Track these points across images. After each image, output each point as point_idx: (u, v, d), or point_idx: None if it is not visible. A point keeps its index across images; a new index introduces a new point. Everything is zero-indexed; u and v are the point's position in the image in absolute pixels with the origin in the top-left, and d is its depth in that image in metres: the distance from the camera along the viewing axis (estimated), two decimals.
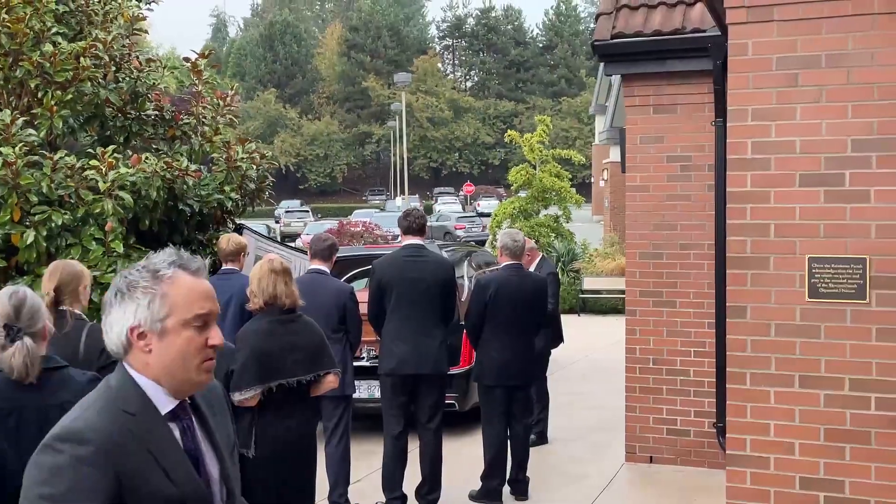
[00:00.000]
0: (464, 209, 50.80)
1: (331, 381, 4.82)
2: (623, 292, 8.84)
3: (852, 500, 4.11)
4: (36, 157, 6.34)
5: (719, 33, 5.50)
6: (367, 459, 7.30)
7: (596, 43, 7.02)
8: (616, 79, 16.01)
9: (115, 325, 1.98)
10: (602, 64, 7.60)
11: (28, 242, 6.03)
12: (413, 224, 6.34)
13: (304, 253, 8.40)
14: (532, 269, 7.80)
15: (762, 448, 4.27)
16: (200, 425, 2.05)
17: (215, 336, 2.00)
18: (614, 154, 26.63)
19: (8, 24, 6.65)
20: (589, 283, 18.11)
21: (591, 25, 7.18)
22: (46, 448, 1.87)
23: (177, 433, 1.98)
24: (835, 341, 4.14)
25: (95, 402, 1.97)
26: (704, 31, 6.54)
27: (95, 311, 5.99)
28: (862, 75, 4.11)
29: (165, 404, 1.98)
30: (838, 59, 4.14)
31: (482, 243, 26.52)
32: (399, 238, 6.80)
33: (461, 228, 38.53)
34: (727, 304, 4.37)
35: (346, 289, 6.41)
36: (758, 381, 4.27)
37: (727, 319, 4.37)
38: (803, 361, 4.19)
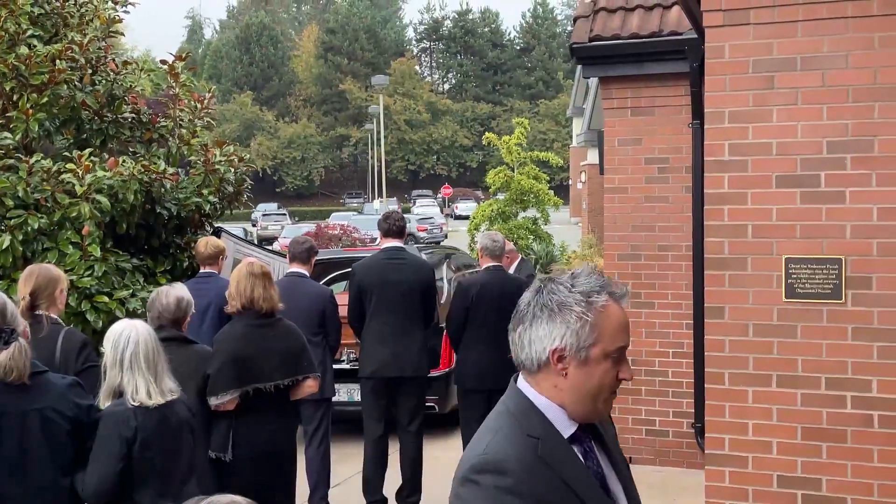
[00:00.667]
0: (442, 212, 50.91)
1: (310, 386, 4.81)
2: None
3: (829, 497, 4.16)
4: (11, 161, 6.28)
5: (696, 36, 5.54)
6: (347, 463, 7.28)
7: (574, 45, 7.06)
8: (594, 81, 16.09)
9: (537, 343, 1.90)
10: (580, 66, 7.64)
11: (4, 247, 5.96)
12: (393, 226, 6.35)
13: (283, 256, 8.37)
14: (511, 271, 7.82)
15: (740, 447, 4.30)
16: (598, 444, 1.98)
17: (626, 370, 1.93)
18: (592, 156, 26.73)
19: None
20: None
21: (569, 28, 7.23)
22: (467, 482, 1.82)
23: (580, 456, 1.91)
24: (811, 341, 4.19)
25: (499, 428, 1.89)
26: (681, 34, 6.59)
27: (71, 315, 5.95)
28: (836, 78, 4.16)
29: (567, 427, 1.91)
30: (813, 62, 4.19)
31: (438, 244, 27.76)
32: (378, 241, 6.80)
33: (423, 230, 40.66)
34: (705, 305, 4.41)
35: (326, 292, 6.40)
36: (736, 381, 4.30)
37: (705, 320, 4.40)
38: (780, 361, 4.23)
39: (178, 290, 4.45)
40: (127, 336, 3.48)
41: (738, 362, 4.30)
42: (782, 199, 4.23)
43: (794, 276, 4.20)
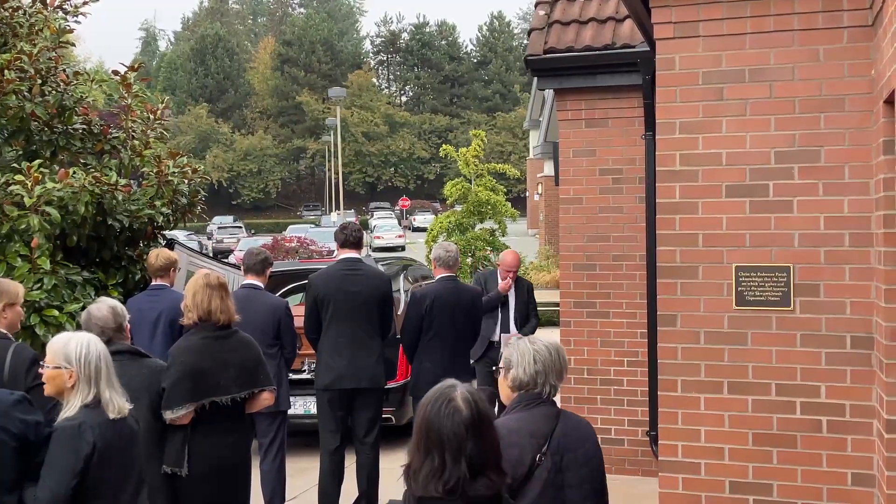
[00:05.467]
0: (400, 223, 50.86)
1: (266, 399, 4.76)
2: (558, 304, 8.92)
3: (780, 502, 4.22)
4: None
5: (648, 49, 5.61)
6: (303, 476, 7.23)
7: (529, 58, 7.12)
8: (550, 94, 16.24)
9: None
10: (535, 79, 7.70)
11: None
12: (350, 237, 6.34)
13: (238, 268, 8.30)
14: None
15: (693, 454, 4.35)
16: None
17: None
18: (548, 168, 26.94)
19: None
20: None
21: (525, 41, 7.29)
22: None
23: None
24: (761, 348, 4.25)
25: None
26: (634, 46, 6.67)
27: (22, 329, 5.83)
28: (783, 89, 4.25)
29: None
30: (761, 74, 4.27)
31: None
32: (335, 252, 6.78)
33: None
34: (658, 313, 4.46)
35: (281, 304, 6.36)
36: (688, 388, 4.35)
37: (658, 328, 4.45)
38: (732, 368, 4.29)
39: (107, 301, 4.39)
40: (96, 349, 3.43)
41: (691, 369, 4.35)
42: (732, 208, 4.30)
43: (744, 284, 4.27)
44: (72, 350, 3.39)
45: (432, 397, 2.44)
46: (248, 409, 4.72)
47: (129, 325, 4.42)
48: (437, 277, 6.50)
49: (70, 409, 3.36)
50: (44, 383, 3.50)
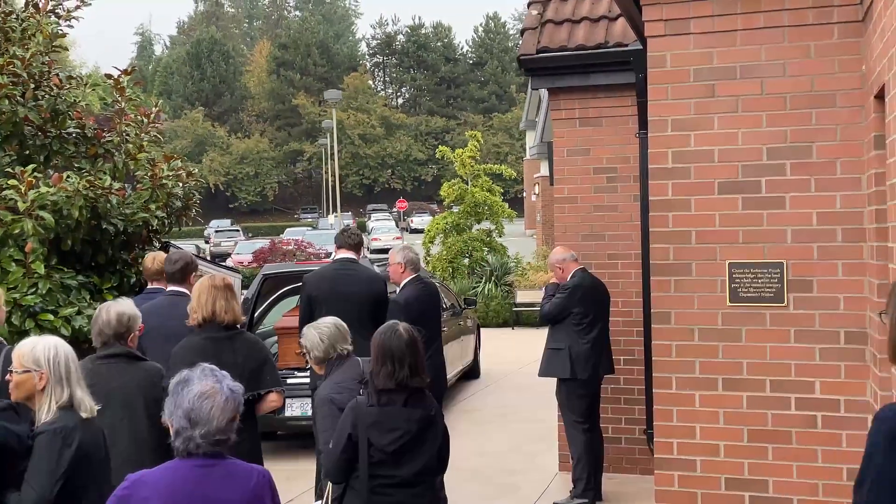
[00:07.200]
0: (397, 225, 50.92)
1: (273, 400, 4.74)
2: None
3: (776, 498, 4.22)
4: None
5: (641, 47, 5.62)
6: (300, 479, 7.22)
7: (522, 57, 7.12)
8: (546, 94, 16.23)
9: None
10: (529, 78, 7.71)
11: None
12: (349, 239, 6.37)
13: (237, 272, 8.30)
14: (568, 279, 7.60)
15: (689, 451, 4.35)
16: None
17: None
18: (545, 169, 26.95)
19: None
20: (522, 296, 18.23)
21: (520, 41, 7.31)
22: None
23: None
24: (755, 344, 4.25)
25: None
26: (627, 45, 6.68)
27: (15, 334, 5.82)
28: (775, 86, 4.25)
29: None
30: (752, 71, 4.28)
31: None
32: (333, 255, 6.78)
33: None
34: (652, 310, 4.46)
35: None
36: (683, 385, 4.35)
37: (652, 325, 4.45)
38: (726, 364, 4.29)
39: (120, 306, 4.36)
40: (63, 351, 3.41)
41: (685, 366, 4.35)
42: (725, 205, 4.30)
43: (738, 280, 4.27)
44: (40, 352, 3.35)
45: (384, 329, 3.91)
46: (256, 412, 4.69)
47: (135, 334, 4.40)
48: (407, 279, 6.35)
49: (48, 412, 3.33)
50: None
